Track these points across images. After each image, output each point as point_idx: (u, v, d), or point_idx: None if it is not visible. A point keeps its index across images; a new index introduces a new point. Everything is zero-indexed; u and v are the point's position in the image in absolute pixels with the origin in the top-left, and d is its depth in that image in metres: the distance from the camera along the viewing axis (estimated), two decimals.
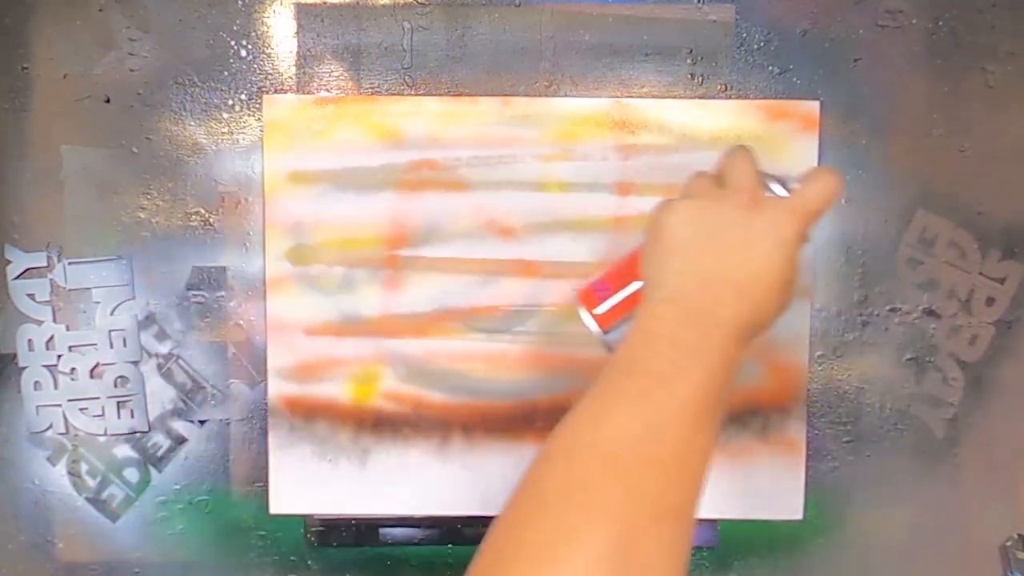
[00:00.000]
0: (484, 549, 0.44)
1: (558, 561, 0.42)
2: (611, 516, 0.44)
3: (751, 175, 0.58)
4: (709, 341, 0.52)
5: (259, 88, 0.75)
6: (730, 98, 0.75)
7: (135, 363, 0.76)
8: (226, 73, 0.75)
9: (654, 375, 0.50)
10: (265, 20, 0.75)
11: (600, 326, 0.63)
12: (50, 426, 0.76)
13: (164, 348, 0.76)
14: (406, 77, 0.75)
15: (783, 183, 0.60)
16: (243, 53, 0.75)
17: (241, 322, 0.76)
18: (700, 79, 0.75)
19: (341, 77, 0.75)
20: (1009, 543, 0.78)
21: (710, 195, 0.57)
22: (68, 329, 0.76)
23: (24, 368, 0.76)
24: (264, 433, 0.76)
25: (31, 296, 0.75)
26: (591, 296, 0.64)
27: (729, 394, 0.52)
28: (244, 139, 0.75)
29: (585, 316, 0.64)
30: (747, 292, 0.54)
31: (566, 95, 0.75)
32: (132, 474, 0.77)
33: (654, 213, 0.58)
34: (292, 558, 0.78)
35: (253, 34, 0.75)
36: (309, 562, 0.78)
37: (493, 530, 0.45)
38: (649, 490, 0.46)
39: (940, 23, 0.75)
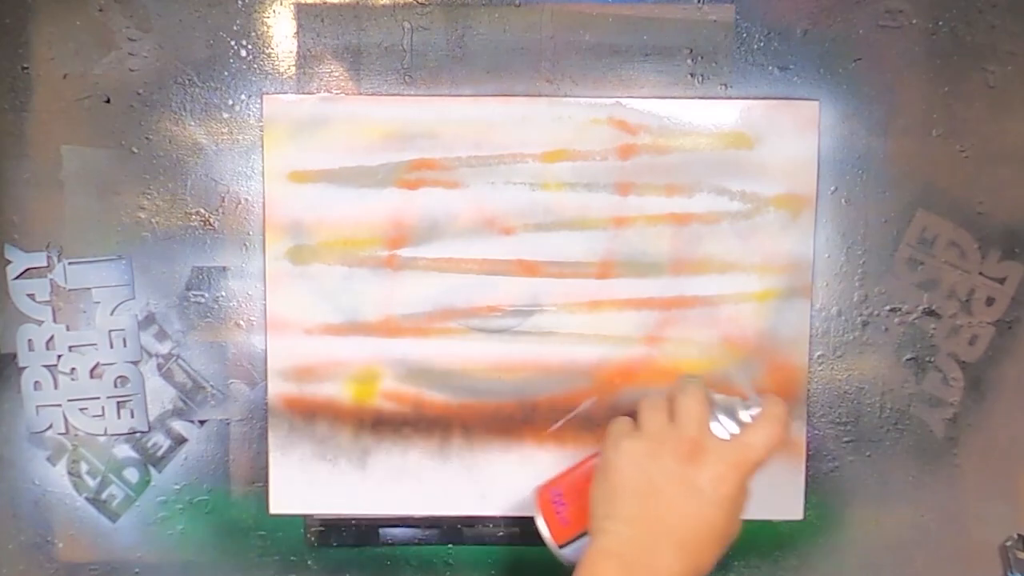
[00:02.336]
0: None
1: None
2: None
3: (698, 419, 0.60)
4: None
5: (259, 88, 0.75)
6: (730, 98, 0.75)
7: (135, 363, 0.76)
8: (226, 73, 0.75)
9: None
10: (265, 20, 0.75)
11: (555, 539, 0.66)
12: (50, 426, 0.76)
13: (164, 348, 0.76)
14: (406, 77, 0.75)
15: (733, 414, 0.62)
16: (243, 53, 0.75)
17: (241, 322, 0.76)
18: (700, 79, 0.75)
19: (341, 77, 0.75)
20: (1009, 543, 0.78)
21: (657, 436, 0.60)
22: (68, 329, 0.76)
23: (24, 368, 0.76)
24: (264, 433, 0.76)
25: (31, 296, 0.75)
26: (548, 503, 0.66)
27: None
28: (244, 139, 0.75)
29: (541, 524, 0.66)
30: (687, 547, 0.57)
31: (566, 95, 0.75)
32: (132, 474, 0.77)
33: (607, 445, 0.61)
34: (292, 558, 0.78)
35: (253, 34, 0.75)
36: (309, 562, 0.78)
37: None
38: None
39: (940, 23, 0.75)
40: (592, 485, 0.62)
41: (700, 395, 0.61)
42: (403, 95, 0.75)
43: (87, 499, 0.77)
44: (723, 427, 0.61)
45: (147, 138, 0.75)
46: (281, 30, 0.75)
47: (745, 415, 0.62)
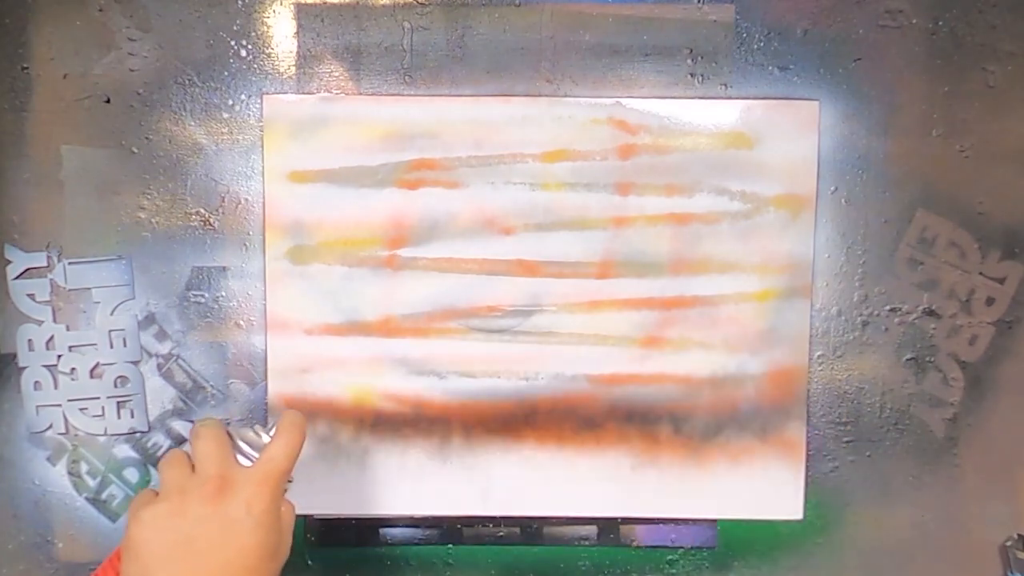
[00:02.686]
0: None
1: None
2: None
3: (216, 456, 0.58)
4: None
5: (259, 88, 0.75)
6: (730, 98, 0.75)
7: (135, 363, 0.76)
8: (226, 73, 0.75)
9: None
10: (265, 20, 0.75)
11: None
12: (50, 426, 0.76)
13: (164, 348, 0.76)
14: (406, 77, 0.75)
15: (252, 443, 0.60)
16: (243, 53, 0.75)
17: (241, 322, 0.76)
18: (700, 79, 0.75)
19: (341, 77, 0.75)
20: (1009, 543, 0.78)
21: (180, 491, 0.57)
22: (68, 329, 0.76)
23: (24, 368, 0.76)
24: None
25: (31, 296, 0.75)
26: None
27: None
28: (244, 139, 0.75)
29: None
30: None
31: (566, 95, 0.75)
32: (132, 474, 0.77)
33: (127, 523, 0.57)
34: (292, 558, 0.77)
35: (253, 34, 0.75)
36: (309, 562, 0.78)
37: None
38: None
39: (940, 23, 0.75)
40: (122, 571, 0.57)
41: (215, 434, 0.59)
42: (403, 95, 0.75)
43: (87, 499, 0.77)
44: (247, 457, 0.60)
45: (147, 138, 0.75)
46: (281, 30, 0.75)
47: (266, 436, 0.61)
